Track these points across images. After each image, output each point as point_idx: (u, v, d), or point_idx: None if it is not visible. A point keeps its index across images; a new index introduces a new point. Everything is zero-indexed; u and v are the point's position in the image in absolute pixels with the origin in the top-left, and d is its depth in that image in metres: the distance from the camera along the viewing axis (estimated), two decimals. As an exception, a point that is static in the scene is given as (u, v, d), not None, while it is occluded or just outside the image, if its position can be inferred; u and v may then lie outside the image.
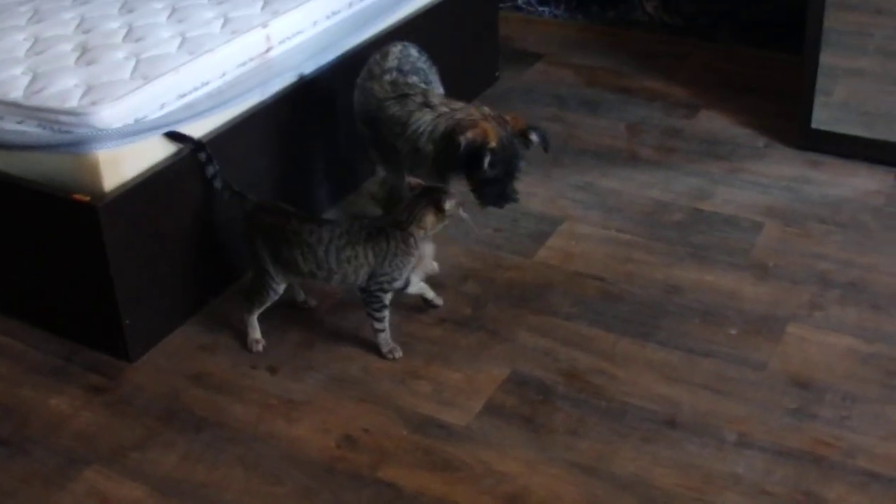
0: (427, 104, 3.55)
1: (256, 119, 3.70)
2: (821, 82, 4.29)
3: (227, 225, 3.60)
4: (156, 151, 3.39)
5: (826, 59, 4.25)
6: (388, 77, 3.67)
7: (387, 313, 3.39)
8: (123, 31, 3.74)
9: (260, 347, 3.46)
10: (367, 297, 3.36)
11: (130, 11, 3.89)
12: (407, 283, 3.46)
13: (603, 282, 3.71)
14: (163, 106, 3.40)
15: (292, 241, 3.30)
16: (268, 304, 3.45)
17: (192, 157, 3.45)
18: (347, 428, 3.16)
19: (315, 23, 3.94)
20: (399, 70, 3.69)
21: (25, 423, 3.23)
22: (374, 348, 3.43)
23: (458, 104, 3.56)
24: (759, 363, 3.32)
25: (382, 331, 3.41)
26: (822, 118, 4.34)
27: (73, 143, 3.21)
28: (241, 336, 3.50)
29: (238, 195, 3.44)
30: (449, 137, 3.43)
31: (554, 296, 3.65)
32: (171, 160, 3.41)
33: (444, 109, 3.52)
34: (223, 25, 3.76)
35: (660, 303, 3.60)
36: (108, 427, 3.20)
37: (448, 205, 3.26)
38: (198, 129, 3.50)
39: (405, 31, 4.24)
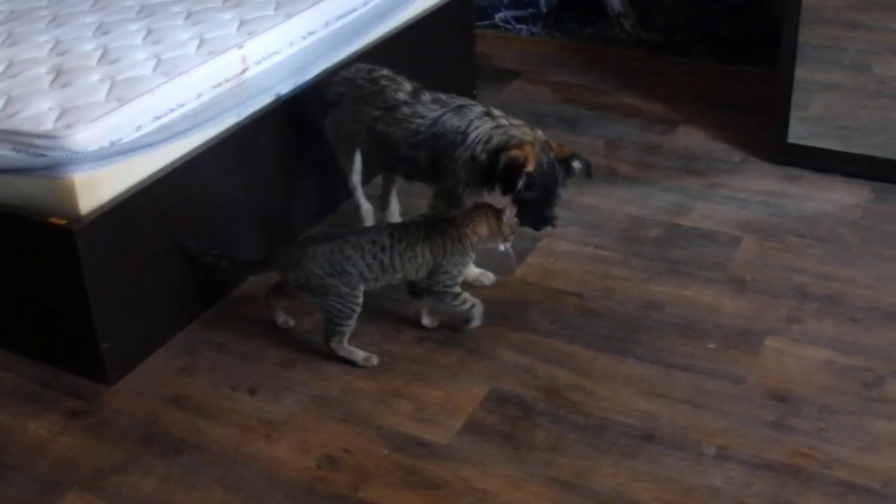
0: (488, 114, 3.58)
1: (233, 140, 3.70)
2: (797, 97, 4.30)
3: (203, 246, 3.61)
4: (132, 174, 3.38)
5: (801, 73, 4.27)
6: (424, 97, 3.67)
7: (464, 295, 3.51)
8: (98, 54, 3.73)
9: (375, 361, 3.47)
10: (441, 297, 3.50)
11: (105, 34, 3.89)
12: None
13: (582, 298, 3.71)
14: (138, 128, 3.39)
15: (354, 256, 3.35)
16: (353, 325, 3.45)
17: (168, 183, 3.47)
18: (328, 448, 3.15)
19: (291, 43, 3.94)
20: (419, 87, 3.72)
21: (4, 449, 3.22)
22: (354, 368, 3.44)
23: (517, 120, 3.59)
24: (738, 377, 3.33)
25: (472, 306, 3.54)
26: (799, 133, 4.36)
27: (48, 166, 3.20)
28: (224, 357, 3.53)
29: (267, 260, 3.50)
30: (496, 152, 3.48)
31: (533, 313, 3.65)
32: (147, 182, 3.41)
33: (504, 122, 3.55)
34: (199, 47, 3.76)
35: (638, 318, 3.61)
36: (88, 451, 3.19)
37: (507, 216, 3.37)
38: (174, 151, 3.50)
39: (382, 50, 4.25)
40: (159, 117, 3.46)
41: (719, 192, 4.27)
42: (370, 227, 3.52)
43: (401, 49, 4.35)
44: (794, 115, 4.33)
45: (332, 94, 3.84)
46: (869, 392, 3.25)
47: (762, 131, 4.58)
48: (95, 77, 3.57)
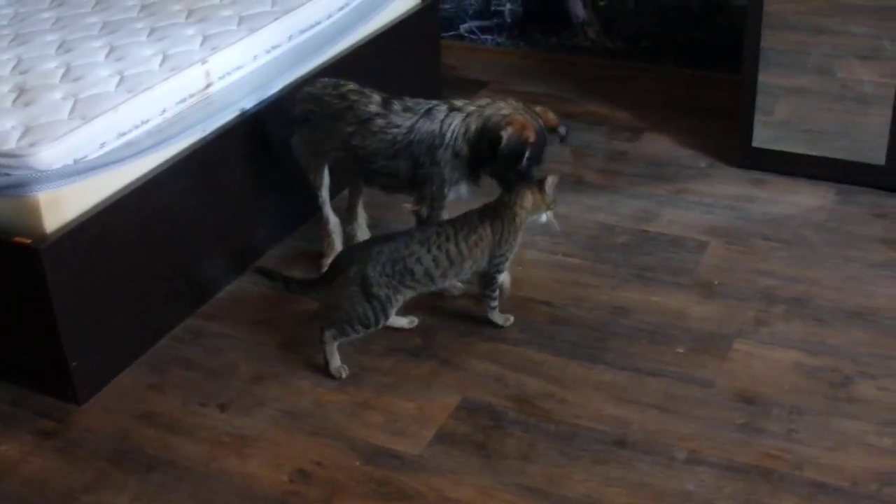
0: (453, 108, 3.64)
1: (198, 156, 3.69)
2: (761, 101, 4.33)
3: (171, 263, 3.61)
4: (97, 191, 3.37)
5: (765, 78, 4.29)
6: (395, 107, 3.69)
7: (499, 292, 3.61)
8: (61, 71, 3.72)
9: (345, 373, 3.47)
10: (486, 281, 3.58)
11: (68, 51, 3.88)
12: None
13: (551, 306, 3.72)
14: (102, 145, 3.38)
15: (421, 251, 3.41)
16: (360, 336, 3.47)
17: (133, 200, 3.47)
18: (300, 462, 3.15)
19: (255, 57, 3.94)
20: (387, 98, 3.74)
21: (-26, 470, 3.21)
22: (324, 381, 3.44)
23: (484, 101, 3.66)
24: (707, 380, 3.34)
25: (496, 307, 3.63)
26: (764, 137, 4.38)
27: (12, 185, 3.19)
28: (194, 374, 3.52)
29: (330, 273, 3.49)
30: (482, 134, 3.55)
31: (502, 322, 3.67)
32: (112, 200, 3.40)
33: (472, 108, 3.62)
34: (162, 62, 3.75)
35: (607, 325, 3.62)
36: (59, 471, 3.17)
37: (549, 184, 3.49)
38: (139, 168, 3.50)
39: (346, 63, 4.26)
40: (123, 134, 3.46)
41: (686, 198, 4.29)
42: (428, 224, 3.59)
43: (366, 62, 4.36)
44: (759, 119, 4.36)
45: (299, 111, 3.83)
46: (837, 392, 3.27)
47: (727, 136, 4.60)
48: (58, 95, 3.56)
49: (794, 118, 4.40)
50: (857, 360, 3.39)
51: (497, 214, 3.48)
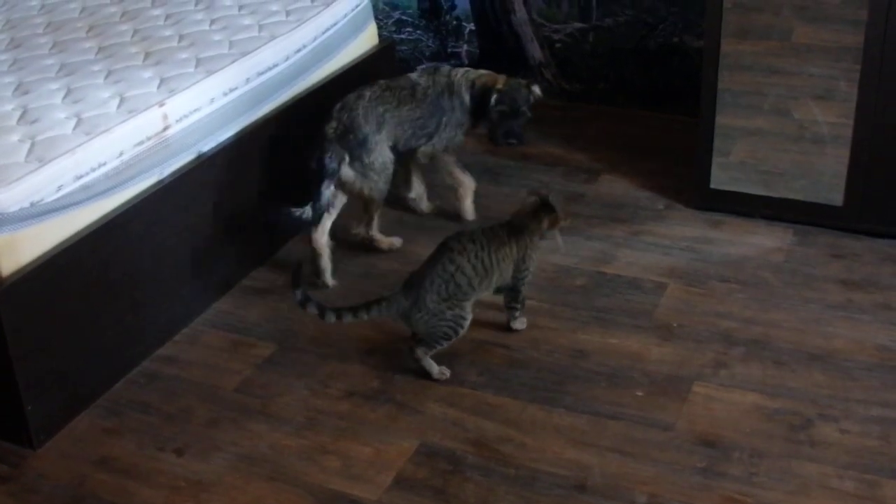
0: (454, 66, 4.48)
1: (155, 198, 3.68)
2: (718, 143, 4.35)
3: (127, 306, 3.59)
4: (53, 235, 3.36)
5: (722, 119, 4.31)
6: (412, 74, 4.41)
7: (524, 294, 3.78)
8: (18, 114, 3.71)
9: (447, 374, 3.61)
10: (513, 294, 3.75)
11: (25, 93, 3.86)
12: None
13: (508, 349, 3.71)
14: (59, 188, 3.37)
15: (462, 261, 3.53)
16: (447, 346, 3.59)
17: (90, 243, 3.45)
18: (257, 507, 3.13)
19: (212, 100, 3.94)
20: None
21: (-74, 517, 3.17)
22: (281, 425, 3.41)
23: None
24: (667, 424, 3.33)
25: (519, 316, 3.82)
26: (721, 178, 4.40)
27: (-32, 228, 3.17)
28: (150, 418, 3.49)
29: (393, 297, 3.57)
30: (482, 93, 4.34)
31: (460, 365, 3.64)
32: (69, 243, 3.39)
33: (463, 70, 4.42)
34: (119, 105, 3.74)
35: (566, 368, 3.61)
36: (12, 517, 3.14)
37: (563, 222, 3.72)
38: (96, 211, 3.49)
39: (305, 104, 4.26)
40: (80, 177, 3.44)
41: (643, 240, 4.30)
42: (460, 232, 3.66)
43: (324, 104, 4.34)
44: (716, 161, 4.37)
45: (361, 131, 4.09)
46: (797, 435, 3.27)
47: (685, 178, 4.61)
48: (15, 137, 3.54)
49: (752, 159, 4.42)
50: (817, 403, 3.39)
51: (521, 232, 3.64)
